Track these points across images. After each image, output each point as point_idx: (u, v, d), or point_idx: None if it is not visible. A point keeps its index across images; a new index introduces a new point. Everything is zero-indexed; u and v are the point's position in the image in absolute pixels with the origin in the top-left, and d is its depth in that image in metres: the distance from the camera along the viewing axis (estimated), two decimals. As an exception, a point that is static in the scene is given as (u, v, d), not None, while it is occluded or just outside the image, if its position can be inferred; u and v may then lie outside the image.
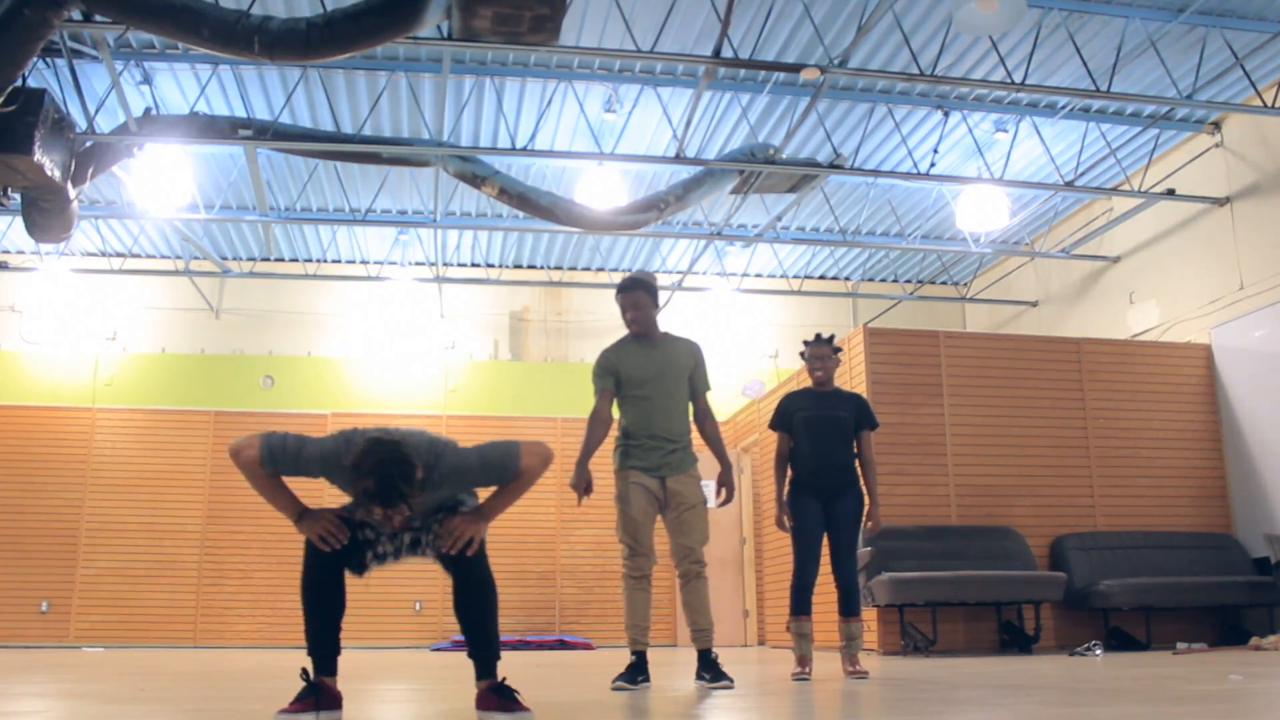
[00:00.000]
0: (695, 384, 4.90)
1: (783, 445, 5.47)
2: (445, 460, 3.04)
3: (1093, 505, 8.78)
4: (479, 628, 3.08)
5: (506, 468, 3.07)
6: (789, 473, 5.46)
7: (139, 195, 9.74)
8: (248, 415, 12.05)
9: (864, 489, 5.44)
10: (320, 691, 2.98)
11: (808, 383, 5.65)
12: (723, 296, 13.25)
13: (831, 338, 5.60)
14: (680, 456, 4.76)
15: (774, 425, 5.54)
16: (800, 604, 5.27)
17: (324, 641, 3.08)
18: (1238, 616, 8.59)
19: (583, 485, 4.69)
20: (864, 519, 5.46)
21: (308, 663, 3.12)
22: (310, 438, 3.07)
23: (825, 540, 5.38)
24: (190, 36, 6.45)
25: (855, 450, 5.46)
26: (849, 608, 5.34)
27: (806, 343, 5.58)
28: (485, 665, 3.06)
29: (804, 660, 5.20)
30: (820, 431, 5.37)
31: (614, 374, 4.79)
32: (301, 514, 3.06)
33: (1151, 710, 2.98)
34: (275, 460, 3.00)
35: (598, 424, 4.76)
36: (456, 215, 11.53)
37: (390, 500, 2.83)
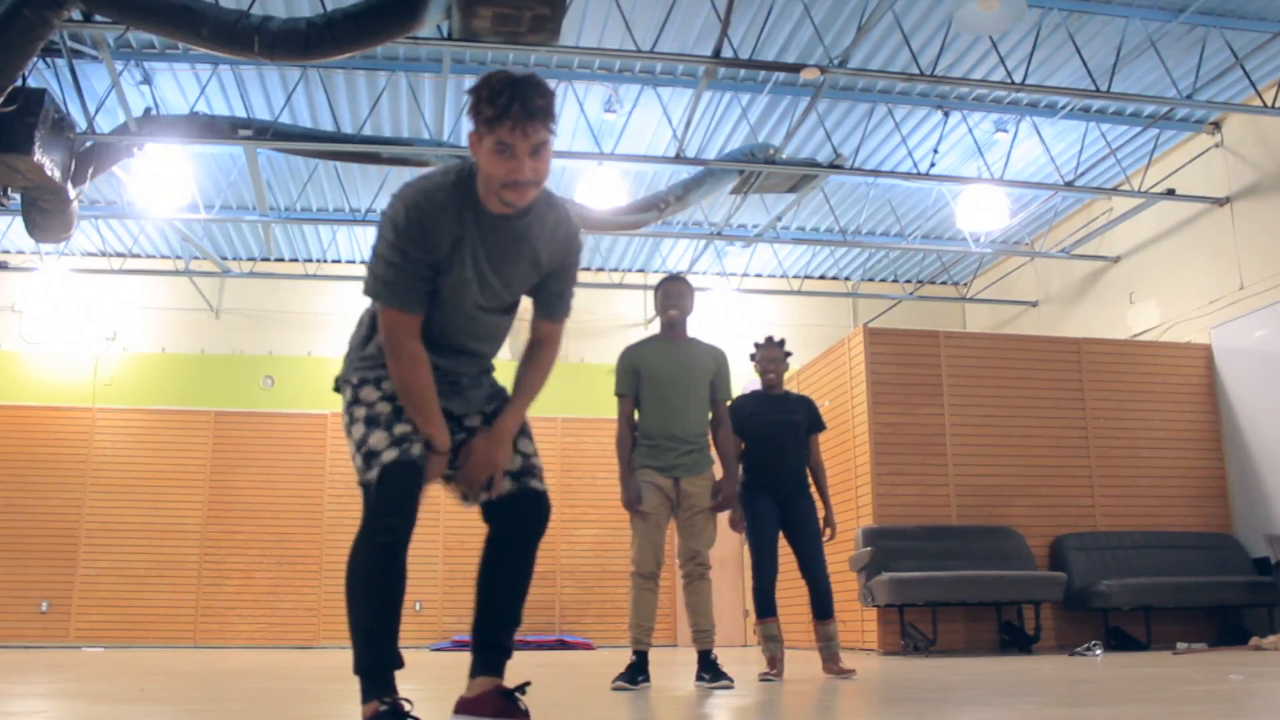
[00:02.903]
0: (716, 391, 4.92)
1: (736, 448, 5.45)
2: (568, 217, 2.45)
3: (1093, 505, 8.78)
4: (512, 608, 2.41)
5: (570, 299, 2.58)
6: (740, 475, 5.42)
7: (139, 195, 9.74)
8: (248, 415, 12.05)
9: (814, 492, 5.42)
10: (400, 716, 2.20)
11: (800, 384, 5.64)
12: (723, 296, 13.24)
13: (782, 341, 5.60)
14: (695, 458, 4.78)
15: None
16: (764, 606, 5.22)
17: (390, 639, 2.24)
18: (1238, 616, 8.59)
19: (635, 499, 4.67)
20: (822, 524, 5.39)
21: (412, 658, 2.44)
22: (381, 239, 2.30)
23: (784, 544, 5.35)
24: (190, 36, 6.45)
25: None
26: (824, 610, 5.28)
27: (757, 345, 5.59)
28: (498, 659, 2.40)
29: (774, 661, 5.18)
30: (776, 436, 5.35)
31: (636, 372, 4.81)
32: (441, 429, 2.34)
33: (1151, 710, 2.98)
34: (390, 284, 2.27)
35: (625, 431, 4.80)
36: (456, 215, 11.53)
37: (527, 95, 2.12)
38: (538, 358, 2.58)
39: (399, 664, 2.25)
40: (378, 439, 2.29)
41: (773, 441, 5.35)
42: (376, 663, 2.21)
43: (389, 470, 2.25)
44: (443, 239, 2.28)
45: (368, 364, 2.41)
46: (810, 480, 5.46)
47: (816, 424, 5.50)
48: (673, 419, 4.75)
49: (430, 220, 2.25)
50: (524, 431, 2.53)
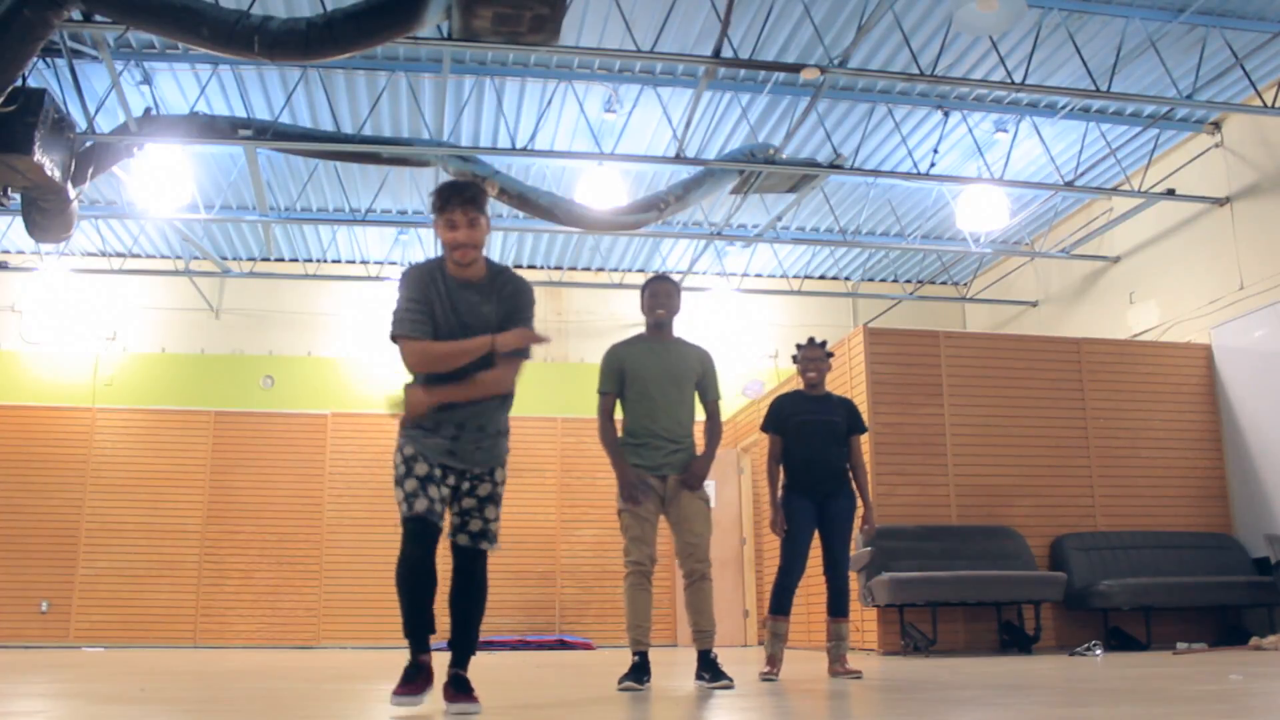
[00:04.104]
0: (704, 392, 4.91)
1: (775, 448, 5.49)
2: (514, 276, 3.55)
3: (1093, 505, 8.78)
4: (468, 623, 3.48)
5: (529, 315, 3.54)
6: (781, 475, 5.46)
7: (139, 195, 9.74)
8: (248, 415, 12.05)
9: (855, 491, 5.47)
10: (422, 669, 3.35)
11: (798, 384, 5.67)
12: (723, 296, 13.25)
13: (824, 342, 5.64)
14: (683, 457, 4.77)
15: (766, 428, 5.54)
16: (781, 604, 5.28)
17: (420, 623, 3.38)
18: (1238, 616, 8.59)
19: (636, 485, 4.63)
20: (861, 523, 5.47)
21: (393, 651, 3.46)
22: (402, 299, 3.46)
23: (816, 541, 5.39)
24: (190, 36, 6.45)
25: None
26: (840, 608, 5.33)
27: (799, 346, 5.62)
28: (461, 655, 3.46)
29: (774, 660, 5.20)
30: (816, 435, 5.38)
31: (619, 372, 4.81)
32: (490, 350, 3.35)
33: (1151, 710, 2.98)
34: (407, 320, 3.38)
35: (608, 425, 4.80)
36: (456, 215, 11.51)
37: (461, 190, 3.36)
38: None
39: (430, 632, 3.39)
40: (397, 493, 3.40)
41: (812, 441, 5.38)
42: (408, 632, 3.38)
43: (407, 523, 3.36)
44: (427, 292, 3.42)
45: (401, 433, 3.48)
46: (851, 479, 5.49)
47: (857, 425, 5.54)
48: (658, 418, 4.75)
49: (417, 279, 3.44)
50: (494, 499, 3.51)
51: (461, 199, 3.35)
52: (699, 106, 8.74)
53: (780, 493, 5.41)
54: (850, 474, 5.48)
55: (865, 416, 8.48)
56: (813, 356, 5.51)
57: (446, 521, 3.46)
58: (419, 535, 3.32)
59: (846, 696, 3.93)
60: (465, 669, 3.42)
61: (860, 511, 5.49)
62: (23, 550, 11.30)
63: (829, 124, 9.50)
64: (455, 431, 3.41)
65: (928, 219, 11.81)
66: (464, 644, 3.46)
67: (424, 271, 3.45)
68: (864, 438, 8.39)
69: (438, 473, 3.39)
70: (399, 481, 3.38)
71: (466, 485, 3.47)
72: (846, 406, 5.55)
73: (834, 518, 5.34)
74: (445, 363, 3.37)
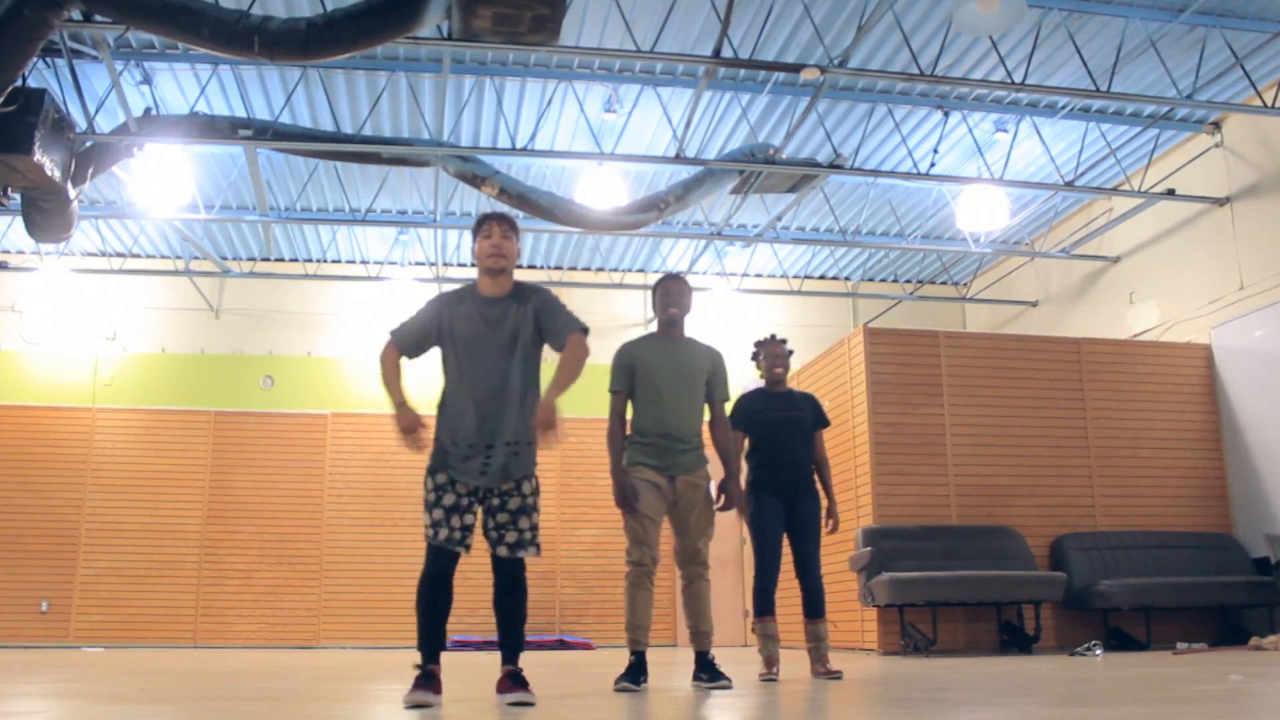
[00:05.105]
0: (713, 391, 4.90)
1: (741, 444, 5.47)
2: (545, 293, 3.98)
3: (1093, 505, 8.78)
4: (514, 625, 3.81)
5: (572, 319, 3.88)
6: (745, 472, 5.44)
7: (139, 195, 9.74)
8: (248, 415, 12.05)
9: (820, 489, 5.44)
10: (433, 678, 3.67)
11: (800, 384, 5.66)
12: (723, 296, 13.24)
13: (785, 339, 5.66)
14: (691, 457, 4.75)
15: (734, 426, 5.51)
16: (764, 605, 5.24)
17: (433, 637, 3.74)
18: (1238, 616, 8.59)
19: (630, 494, 4.61)
20: (826, 519, 5.42)
21: (410, 658, 3.73)
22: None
23: (786, 542, 5.36)
24: (190, 36, 6.45)
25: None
26: (816, 610, 5.31)
27: (759, 343, 5.63)
28: (512, 654, 3.78)
29: (771, 661, 5.19)
30: (782, 433, 5.37)
31: (630, 370, 4.79)
32: (401, 404, 3.74)
33: (1151, 710, 2.98)
34: (402, 335, 3.90)
35: (617, 426, 4.75)
36: (456, 215, 11.54)
37: (499, 214, 3.92)
38: (563, 357, 3.84)
39: (441, 647, 3.76)
40: (425, 517, 3.77)
41: (778, 439, 5.36)
42: (421, 646, 3.74)
43: (430, 548, 3.73)
44: (443, 314, 3.90)
45: (431, 457, 3.83)
46: (815, 476, 5.47)
47: (821, 420, 5.53)
48: (668, 418, 4.73)
49: (439, 301, 3.94)
50: (525, 510, 3.81)
51: (498, 217, 3.93)
52: (699, 106, 8.74)
53: (745, 489, 5.36)
54: (815, 470, 5.46)
55: (865, 416, 8.52)
56: (775, 353, 5.52)
57: (479, 535, 3.76)
58: (439, 559, 3.72)
59: (845, 696, 3.93)
60: (517, 664, 3.74)
61: (825, 505, 5.43)
62: (23, 550, 11.30)
63: (829, 124, 9.50)
64: (487, 454, 3.75)
65: (928, 219, 11.81)
66: (513, 643, 3.80)
67: (452, 295, 3.95)
68: (863, 438, 8.47)
69: (464, 501, 3.73)
70: (427, 508, 3.76)
71: (497, 501, 3.77)
72: (810, 402, 5.54)
73: (803, 519, 5.31)
74: (383, 377, 3.88)
